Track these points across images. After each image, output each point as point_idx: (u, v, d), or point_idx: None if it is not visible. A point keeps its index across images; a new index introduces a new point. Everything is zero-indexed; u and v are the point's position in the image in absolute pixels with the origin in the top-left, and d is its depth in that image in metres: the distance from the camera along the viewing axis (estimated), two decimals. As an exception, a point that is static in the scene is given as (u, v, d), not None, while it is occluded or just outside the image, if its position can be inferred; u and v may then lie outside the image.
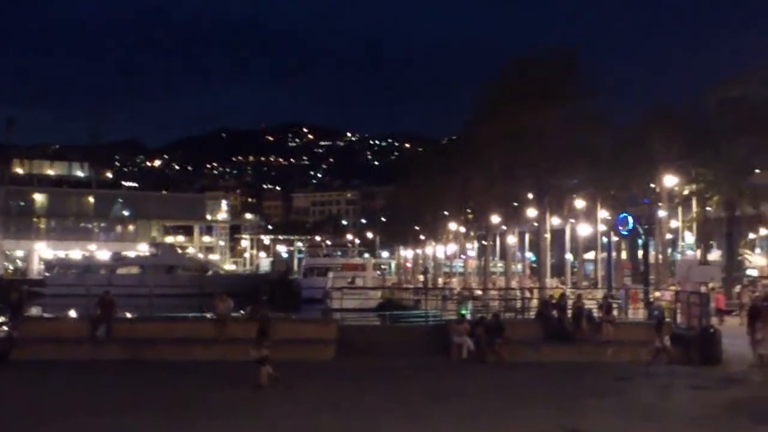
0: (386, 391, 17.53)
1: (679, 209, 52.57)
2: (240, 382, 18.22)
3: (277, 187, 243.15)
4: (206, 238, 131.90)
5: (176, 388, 17.75)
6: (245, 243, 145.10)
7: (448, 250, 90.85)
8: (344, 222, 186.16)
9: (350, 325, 29.30)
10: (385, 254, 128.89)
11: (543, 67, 44.09)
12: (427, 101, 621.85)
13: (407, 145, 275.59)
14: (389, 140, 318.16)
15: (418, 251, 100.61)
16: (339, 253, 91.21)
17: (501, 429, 13.68)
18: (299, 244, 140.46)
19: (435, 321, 28.95)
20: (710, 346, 20.77)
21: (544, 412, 14.83)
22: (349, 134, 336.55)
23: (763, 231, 56.36)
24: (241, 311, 29.95)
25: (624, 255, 65.19)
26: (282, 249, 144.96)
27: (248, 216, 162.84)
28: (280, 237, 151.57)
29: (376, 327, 32.22)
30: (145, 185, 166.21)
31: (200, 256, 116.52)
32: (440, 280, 76.07)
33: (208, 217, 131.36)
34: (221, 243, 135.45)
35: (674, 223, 55.13)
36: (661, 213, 50.78)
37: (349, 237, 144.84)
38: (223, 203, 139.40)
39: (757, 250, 67.12)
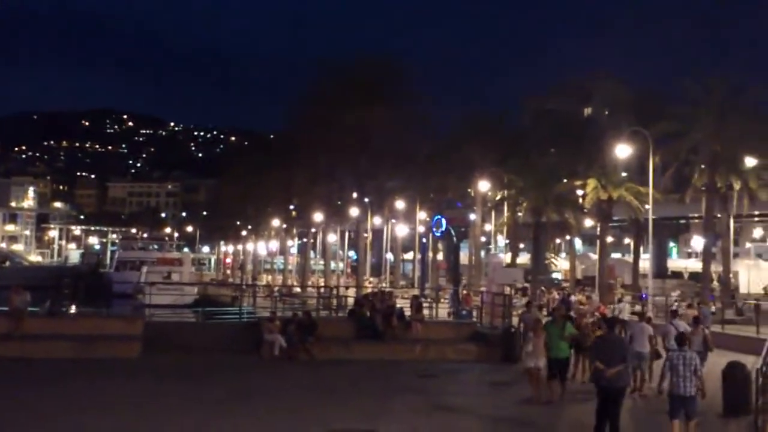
0: (189, 389, 16.90)
1: (492, 213, 55.24)
2: (29, 380, 16.93)
3: (92, 176, 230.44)
4: (10, 227, 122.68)
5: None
6: (54, 233, 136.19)
7: (270, 247, 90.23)
8: (163, 215, 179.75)
9: (160, 321, 28.16)
10: (205, 249, 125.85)
11: (364, 70, 44.87)
12: (256, 95, 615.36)
13: (233, 139, 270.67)
14: (214, 132, 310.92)
15: (240, 247, 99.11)
16: (155, 246, 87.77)
17: (298, 427, 13.55)
18: (113, 236, 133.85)
19: (249, 318, 28.46)
20: (511, 345, 21.81)
21: (345, 410, 14.90)
22: (172, 124, 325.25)
23: (567, 237, 60.42)
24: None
25: (441, 256, 67.69)
26: (94, 240, 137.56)
27: (58, 204, 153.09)
28: (93, 228, 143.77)
29: (187, 324, 31.18)
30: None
31: (2, 246, 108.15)
32: (266, 278, 75.39)
33: (13, 204, 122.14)
34: (26, 232, 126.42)
35: (488, 227, 57.90)
36: (475, 216, 53.17)
37: (168, 230, 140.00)
38: (30, 190, 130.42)
39: (562, 254, 72.15)
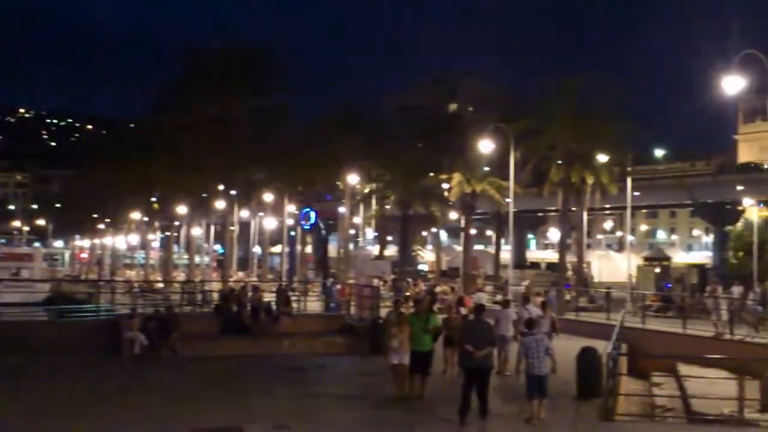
0: (40, 392, 15.89)
1: (361, 206, 55.58)
2: None
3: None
4: None
5: None
6: None
7: (129, 241, 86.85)
8: (11, 207, 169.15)
9: (9, 321, 26.47)
10: (58, 244, 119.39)
11: (228, 58, 43.64)
12: (115, 82, 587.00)
13: (90, 127, 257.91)
14: (69, 120, 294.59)
15: (97, 241, 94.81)
16: (3, 241, 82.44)
17: (158, 428, 13.02)
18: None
19: (107, 315, 27.15)
20: (379, 337, 21.86)
21: (209, 408, 14.44)
22: (22, 110, 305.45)
23: (433, 229, 61.73)
24: None
25: (309, 249, 67.36)
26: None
27: None
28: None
29: (39, 323, 29.38)
30: None
31: None
32: (127, 273, 72.37)
33: None
34: None
35: (357, 219, 58.24)
36: (344, 209, 53.28)
37: (17, 224, 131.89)
38: None
39: (429, 247, 73.67)
